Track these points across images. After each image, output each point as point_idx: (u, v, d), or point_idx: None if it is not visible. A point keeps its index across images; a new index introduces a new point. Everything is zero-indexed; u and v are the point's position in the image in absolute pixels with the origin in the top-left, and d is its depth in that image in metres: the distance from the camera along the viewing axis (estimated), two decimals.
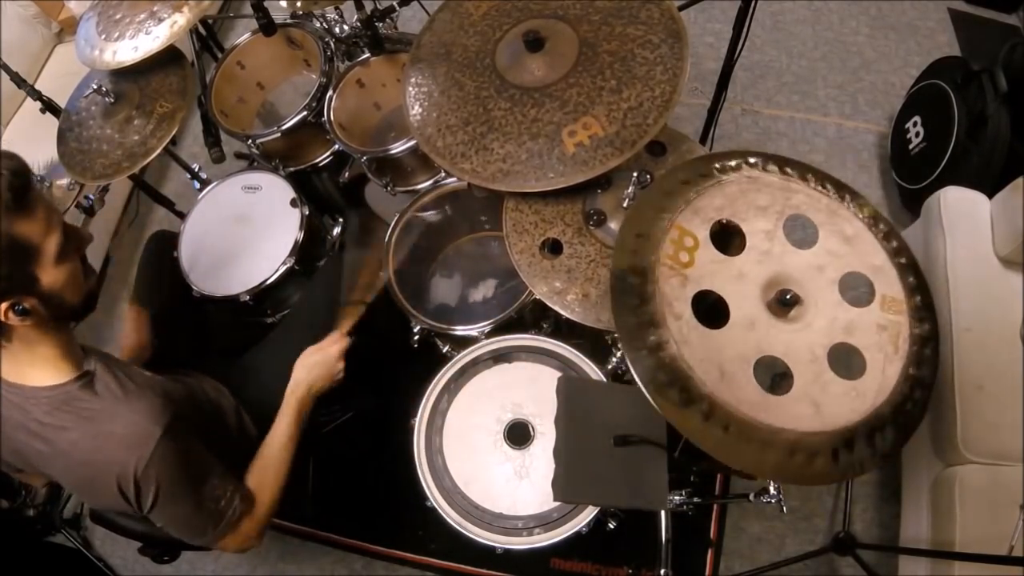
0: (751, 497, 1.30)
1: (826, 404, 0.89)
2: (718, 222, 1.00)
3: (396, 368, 1.86)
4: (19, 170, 0.86)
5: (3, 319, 0.87)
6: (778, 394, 0.89)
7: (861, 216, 1.03)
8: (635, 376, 0.87)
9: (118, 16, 1.52)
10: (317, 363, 1.24)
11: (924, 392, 0.93)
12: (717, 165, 1.04)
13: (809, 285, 0.96)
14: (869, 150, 2.37)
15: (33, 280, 0.88)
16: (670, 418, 0.86)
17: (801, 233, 1.03)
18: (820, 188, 1.04)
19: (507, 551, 1.17)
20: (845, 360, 0.94)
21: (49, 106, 1.64)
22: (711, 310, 0.94)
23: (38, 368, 0.94)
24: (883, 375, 0.92)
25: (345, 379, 1.28)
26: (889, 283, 0.98)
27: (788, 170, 1.05)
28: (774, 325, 0.93)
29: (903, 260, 1.01)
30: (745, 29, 1.55)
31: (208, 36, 2.01)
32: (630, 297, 0.92)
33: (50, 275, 0.89)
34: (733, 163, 1.04)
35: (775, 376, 0.95)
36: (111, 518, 1.24)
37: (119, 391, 0.97)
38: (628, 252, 0.95)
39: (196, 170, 1.81)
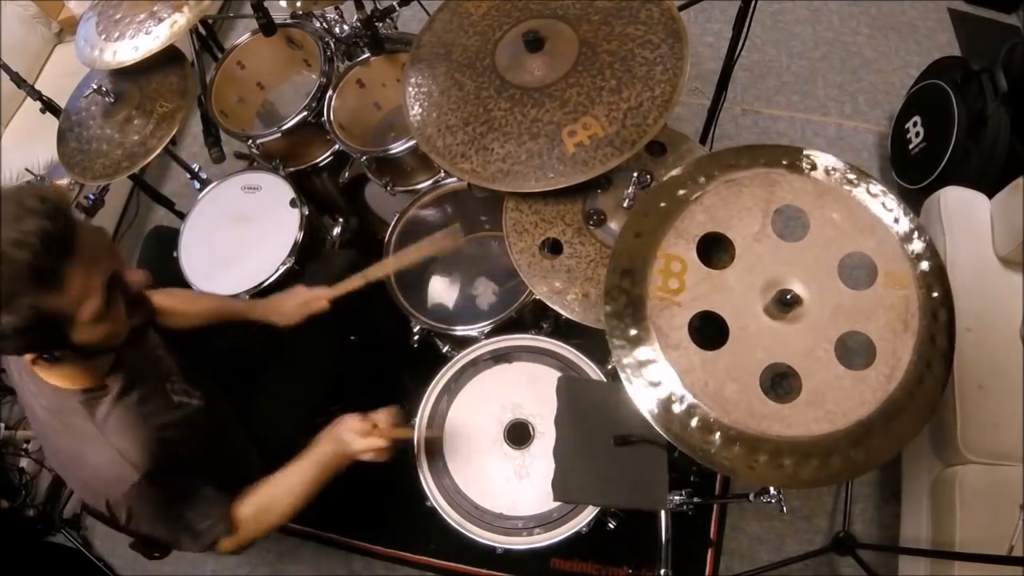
0: (751, 497, 1.29)
1: (838, 402, 0.87)
2: (704, 237, 0.97)
3: (396, 368, 1.86)
4: (52, 236, 0.75)
5: (31, 362, 0.85)
6: (787, 400, 0.88)
7: (850, 187, 0.98)
8: (645, 415, 0.86)
9: (118, 16, 1.52)
10: (352, 442, 1.11)
11: (943, 363, 0.89)
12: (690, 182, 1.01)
13: (808, 279, 0.94)
14: (869, 150, 2.37)
15: (64, 341, 0.82)
16: (682, 447, 0.86)
17: (792, 225, 1.01)
18: (802, 170, 1.00)
19: (507, 551, 1.17)
20: (854, 350, 0.92)
21: (49, 106, 1.64)
22: (712, 323, 0.93)
23: (55, 375, 0.93)
24: (895, 357, 0.89)
25: (349, 381, 1.25)
26: (890, 256, 0.94)
27: (764, 160, 1.02)
28: (777, 329, 0.91)
29: (903, 226, 0.96)
30: (745, 29, 1.55)
31: (208, 36, 2.00)
32: (626, 338, 0.91)
33: (85, 334, 0.83)
34: (702, 179, 1.01)
35: (782, 378, 0.94)
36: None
37: (115, 423, 0.93)
38: (618, 293, 0.94)
39: (196, 170, 1.81)
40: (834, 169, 1.00)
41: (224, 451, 1.21)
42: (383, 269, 1.37)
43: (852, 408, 0.87)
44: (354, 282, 1.34)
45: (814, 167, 1.00)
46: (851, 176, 1.00)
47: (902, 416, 0.87)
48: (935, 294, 0.92)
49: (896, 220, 0.97)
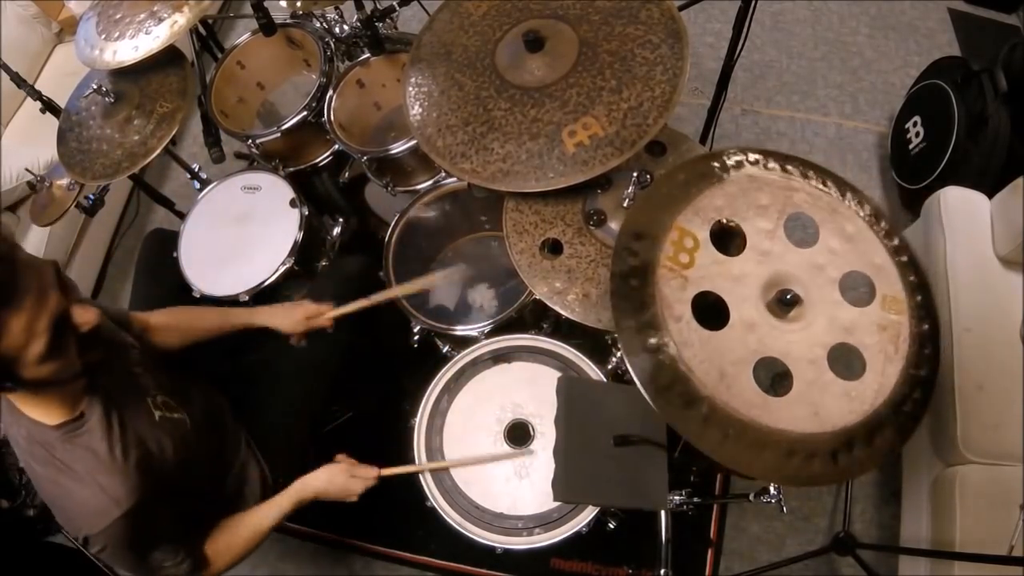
0: (751, 497, 1.30)
1: (825, 405, 0.89)
2: (718, 222, 0.99)
3: (396, 368, 1.86)
4: None
5: None
6: (777, 395, 0.89)
7: (862, 214, 1.03)
8: (635, 378, 0.87)
9: (118, 16, 1.52)
10: (340, 485, 1.23)
11: (924, 392, 0.93)
12: (716, 163, 1.04)
13: (810, 285, 0.96)
14: (869, 150, 2.37)
15: (12, 377, 0.81)
16: (670, 420, 0.86)
17: (802, 232, 1.03)
18: (821, 186, 1.04)
19: (507, 551, 1.17)
20: (845, 360, 0.94)
21: (49, 106, 1.64)
22: (711, 310, 0.93)
23: (29, 406, 0.92)
24: (883, 375, 0.92)
25: (349, 381, 1.27)
26: (890, 282, 0.98)
27: (789, 167, 1.05)
28: (774, 326, 0.92)
29: (904, 258, 1.00)
30: (745, 29, 1.55)
31: (208, 36, 2.00)
32: (630, 300, 0.92)
33: (33, 373, 0.82)
34: (732, 161, 1.04)
35: (775, 376, 0.95)
36: None
37: (95, 455, 0.92)
38: (628, 254, 0.95)
39: (196, 170, 1.81)
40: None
41: (220, 461, 1.22)
42: (387, 295, 1.42)
43: (840, 415, 0.89)
44: (359, 303, 1.38)
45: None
46: (864, 213, 1.03)
47: (885, 432, 0.89)
48: (925, 327, 0.96)
49: (897, 250, 1.01)
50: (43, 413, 0.91)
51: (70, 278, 0.88)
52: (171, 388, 1.13)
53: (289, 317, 1.35)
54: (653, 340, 0.89)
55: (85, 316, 0.86)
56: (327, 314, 1.36)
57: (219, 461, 1.22)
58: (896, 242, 1.01)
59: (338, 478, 1.22)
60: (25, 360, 0.80)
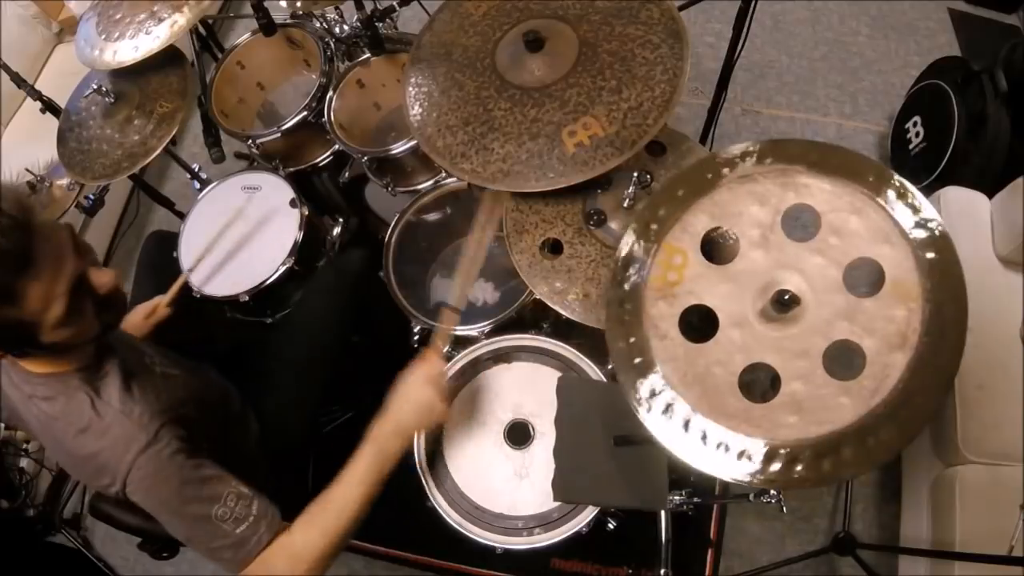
0: (751, 497, 1.30)
1: (814, 410, 0.86)
2: (709, 232, 0.97)
3: (396, 368, 1.86)
4: (6, 252, 0.75)
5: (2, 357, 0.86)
6: (763, 402, 0.88)
7: (871, 189, 0.94)
8: (627, 400, 0.88)
9: (118, 16, 1.52)
10: (411, 395, 1.09)
11: (941, 382, 0.85)
12: (709, 175, 1.00)
13: (811, 282, 0.93)
14: (869, 150, 2.37)
15: (32, 342, 0.83)
16: (656, 435, 0.86)
17: (801, 225, 0.99)
18: (820, 170, 0.97)
19: (507, 551, 1.17)
20: (843, 359, 0.91)
21: (49, 106, 1.64)
22: (707, 321, 0.93)
23: (44, 364, 0.93)
24: (884, 372, 0.87)
25: (349, 381, 1.21)
26: (902, 264, 0.89)
27: (784, 158, 0.99)
28: (768, 329, 0.91)
29: (921, 233, 0.90)
30: (745, 29, 1.55)
31: (208, 36, 2.01)
32: (619, 325, 0.93)
33: (51, 336, 0.83)
34: (727, 165, 1.01)
35: (765, 382, 0.94)
36: (109, 512, 1.24)
37: (115, 392, 0.93)
38: (621, 282, 0.95)
39: (196, 170, 1.81)
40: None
41: (229, 444, 1.20)
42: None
43: (828, 418, 0.86)
44: (180, 281, 1.46)
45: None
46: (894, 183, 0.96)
47: (880, 432, 0.85)
48: (949, 307, 0.87)
49: (919, 224, 0.92)
50: (59, 365, 0.92)
51: (85, 241, 0.89)
52: (165, 357, 1.13)
53: (133, 325, 1.36)
54: (638, 360, 0.90)
55: (103, 278, 0.88)
56: (162, 303, 1.40)
57: (226, 441, 1.18)
58: (913, 213, 0.92)
59: (414, 392, 1.07)
60: (44, 325, 0.82)
